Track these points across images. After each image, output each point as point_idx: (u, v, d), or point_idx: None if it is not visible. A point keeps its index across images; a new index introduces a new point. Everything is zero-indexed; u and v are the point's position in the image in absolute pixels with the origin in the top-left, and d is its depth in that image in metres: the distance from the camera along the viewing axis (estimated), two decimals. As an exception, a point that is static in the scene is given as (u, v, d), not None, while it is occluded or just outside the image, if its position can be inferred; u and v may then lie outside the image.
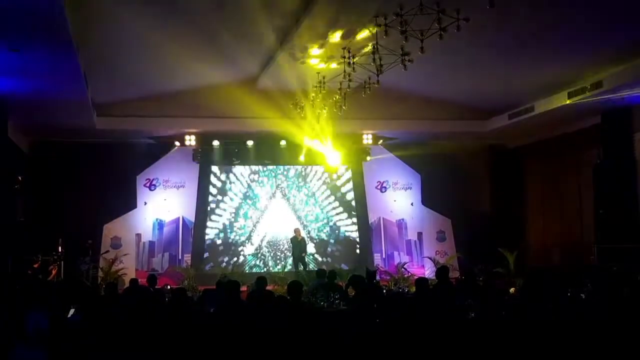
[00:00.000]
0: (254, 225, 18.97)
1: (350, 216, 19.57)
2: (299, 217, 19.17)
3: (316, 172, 19.51)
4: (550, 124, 17.12)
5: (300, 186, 19.41)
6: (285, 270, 17.99)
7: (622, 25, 11.38)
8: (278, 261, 18.79)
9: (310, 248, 18.52)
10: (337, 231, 19.47)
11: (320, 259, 19.07)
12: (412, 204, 19.92)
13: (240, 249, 18.81)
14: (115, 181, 18.08)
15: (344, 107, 12.26)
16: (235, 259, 18.71)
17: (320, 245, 19.22)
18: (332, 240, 19.40)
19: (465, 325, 7.14)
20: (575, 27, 11.42)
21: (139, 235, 18.25)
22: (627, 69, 12.99)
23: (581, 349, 5.90)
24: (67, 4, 8.53)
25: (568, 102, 14.68)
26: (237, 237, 18.87)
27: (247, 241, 18.90)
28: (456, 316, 7.71)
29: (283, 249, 18.80)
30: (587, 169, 16.78)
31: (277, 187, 19.27)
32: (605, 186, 15.65)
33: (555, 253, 18.12)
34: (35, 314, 6.75)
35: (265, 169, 19.24)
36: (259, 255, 18.90)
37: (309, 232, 19.04)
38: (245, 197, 19.06)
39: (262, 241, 18.96)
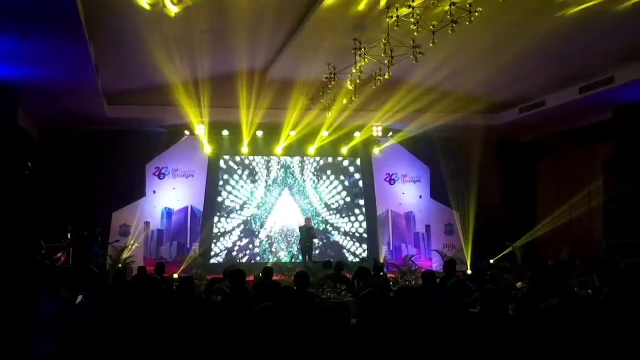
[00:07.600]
0: (262, 216, 18.99)
1: (358, 208, 19.55)
2: (307, 208, 19.17)
3: (326, 163, 19.50)
4: (562, 119, 17.01)
5: (309, 177, 19.40)
6: (294, 261, 18.03)
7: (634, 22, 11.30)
8: (286, 252, 18.81)
9: (318, 239, 18.49)
10: (345, 223, 19.45)
11: (327, 250, 19.07)
12: (420, 197, 19.88)
13: (248, 239, 18.85)
14: (124, 169, 18.11)
15: (354, 99, 12.23)
16: (243, 248, 18.77)
17: (328, 236, 19.23)
18: (340, 232, 19.40)
19: (472, 319, 7.12)
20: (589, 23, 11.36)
21: (147, 224, 18.31)
22: (638, 65, 12.89)
23: (588, 344, 5.88)
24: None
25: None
26: (246, 227, 18.89)
27: (255, 231, 18.93)
28: (464, 310, 7.70)
29: (291, 240, 18.82)
30: (598, 164, 16.70)
31: (286, 178, 19.27)
32: (616, 182, 15.59)
33: (564, 248, 18.04)
34: (44, 299, 6.82)
35: (274, 159, 19.23)
36: (267, 245, 18.93)
37: (317, 224, 19.01)
38: (254, 188, 19.08)
39: (271, 231, 18.98)
